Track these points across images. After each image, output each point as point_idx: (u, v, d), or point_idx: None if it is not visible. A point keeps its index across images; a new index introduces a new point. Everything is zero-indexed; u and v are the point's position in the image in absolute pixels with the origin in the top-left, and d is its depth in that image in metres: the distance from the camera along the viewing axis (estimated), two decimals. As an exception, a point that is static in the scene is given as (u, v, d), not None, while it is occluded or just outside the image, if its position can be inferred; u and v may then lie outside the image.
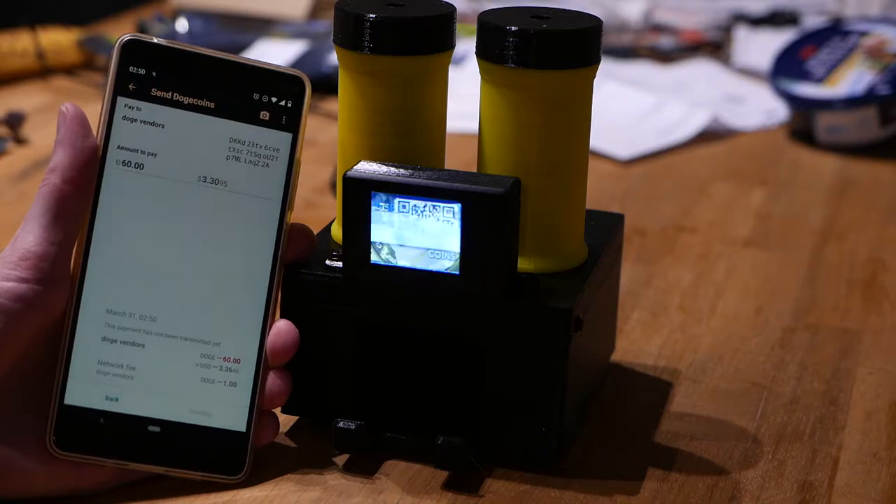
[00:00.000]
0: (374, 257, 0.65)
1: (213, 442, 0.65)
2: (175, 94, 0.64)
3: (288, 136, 0.66)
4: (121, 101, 0.64)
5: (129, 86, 0.64)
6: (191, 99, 0.64)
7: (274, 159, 0.65)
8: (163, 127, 0.64)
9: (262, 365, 0.65)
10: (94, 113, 0.65)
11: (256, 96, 0.65)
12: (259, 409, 0.65)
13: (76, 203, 0.63)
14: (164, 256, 0.65)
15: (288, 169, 0.66)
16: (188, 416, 0.65)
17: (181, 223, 0.65)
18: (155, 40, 0.64)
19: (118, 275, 0.64)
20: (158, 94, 0.64)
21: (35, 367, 0.64)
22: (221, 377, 0.65)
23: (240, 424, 0.65)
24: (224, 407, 0.65)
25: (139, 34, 0.65)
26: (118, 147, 0.64)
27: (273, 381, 0.66)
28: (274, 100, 0.65)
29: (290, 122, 0.66)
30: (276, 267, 0.66)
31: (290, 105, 0.66)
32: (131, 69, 0.64)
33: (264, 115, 0.65)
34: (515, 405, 0.67)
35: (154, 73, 0.64)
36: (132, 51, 0.64)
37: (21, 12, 1.39)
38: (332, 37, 0.70)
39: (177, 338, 0.65)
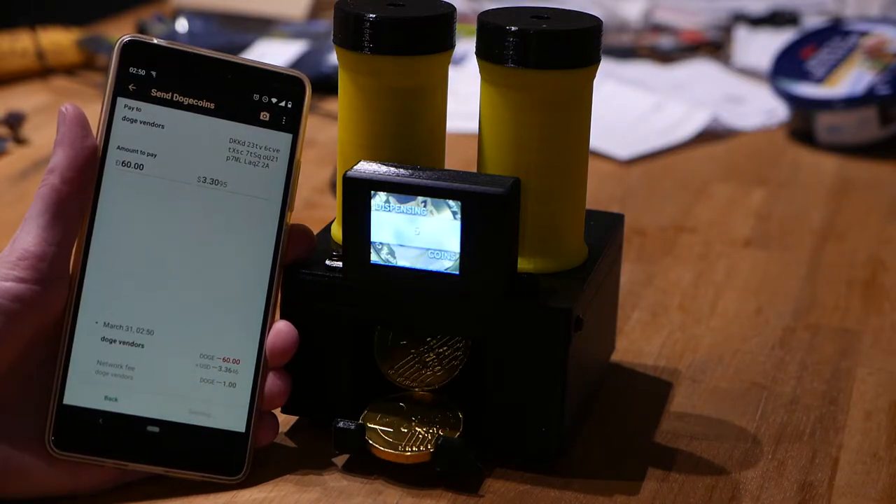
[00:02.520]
0: (374, 257, 0.65)
1: (212, 442, 0.65)
2: (175, 95, 0.64)
3: (288, 136, 0.66)
4: (121, 101, 0.64)
5: (129, 86, 0.64)
6: (191, 99, 0.64)
7: (274, 160, 0.65)
8: (162, 127, 0.64)
9: (262, 365, 0.65)
10: (93, 113, 0.65)
11: (256, 97, 0.65)
12: (259, 410, 0.65)
13: (75, 203, 0.63)
14: (163, 257, 0.65)
15: (288, 169, 0.66)
16: (187, 417, 0.65)
17: (181, 224, 0.65)
18: (155, 41, 0.64)
19: (117, 275, 0.64)
20: (158, 94, 0.64)
21: (34, 367, 0.64)
22: (221, 377, 0.65)
23: (239, 425, 0.65)
24: (223, 407, 0.65)
25: (139, 35, 0.65)
26: (118, 147, 0.64)
27: (273, 381, 0.66)
28: (274, 100, 0.65)
29: (290, 122, 0.66)
30: (275, 267, 0.66)
31: (290, 106, 0.65)
32: (131, 70, 0.64)
33: (264, 115, 0.65)
34: (515, 405, 0.67)
35: (154, 74, 0.64)
36: (132, 51, 0.64)
37: (21, 12, 1.39)
38: (332, 37, 0.70)
39: (176, 338, 0.65)
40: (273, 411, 0.67)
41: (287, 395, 0.66)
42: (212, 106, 0.65)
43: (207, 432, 0.65)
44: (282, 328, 0.66)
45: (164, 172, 0.64)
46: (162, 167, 0.64)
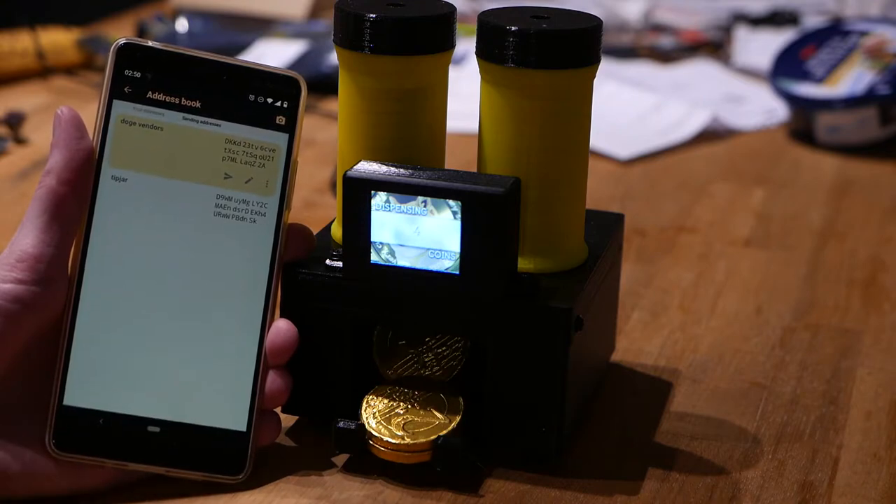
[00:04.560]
0: (374, 257, 0.65)
1: (213, 442, 0.65)
2: (171, 97, 0.65)
3: (284, 136, 0.66)
4: (117, 104, 0.64)
5: (125, 89, 0.64)
6: (186, 101, 0.65)
7: (271, 160, 0.66)
8: (159, 129, 0.64)
9: (262, 364, 0.65)
10: (93, 112, 0.65)
11: (252, 97, 0.65)
12: (260, 409, 0.65)
13: (72, 204, 0.63)
14: (161, 256, 0.65)
15: (285, 169, 0.66)
16: (188, 416, 0.65)
17: (178, 224, 0.65)
18: (150, 44, 0.65)
19: (116, 275, 0.64)
20: (154, 96, 0.64)
21: (34, 368, 0.64)
22: (221, 376, 0.65)
23: (240, 424, 0.65)
24: (224, 406, 0.65)
25: (134, 38, 0.65)
26: (114, 149, 0.64)
27: (273, 380, 0.66)
28: (270, 101, 0.65)
29: (286, 122, 0.66)
30: (274, 266, 0.66)
31: (285, 106, 0.66)
32: (127, 73, 0.64)
33: (260, 116, 0.65)
34: (515, 405, 0.67)
35: (149, 76, 0.64)
36: (127, 54, 0.64)
37: (21, 12, 1.39)
38: (332, 37, 0.70)
39: (175, 337, 0.65)
40: (275, 410, 0.67)
41: (288, 394, 0.66)
42: (207, 107, 0.65)
43: (208, 431, 0.65)
44: (282, 326, 0.66)
45: (160, 173, 0.65)
46: (158, 168, 0.65)
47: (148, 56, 0.64)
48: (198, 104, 0.65)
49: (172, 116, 0.65)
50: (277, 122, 0.66)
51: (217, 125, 0.65)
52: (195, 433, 0.65)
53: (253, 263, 0.66)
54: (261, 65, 0.66)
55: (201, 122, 0.65)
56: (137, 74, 0.64)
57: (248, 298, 0.66)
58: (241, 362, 0.65)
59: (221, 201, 0.65)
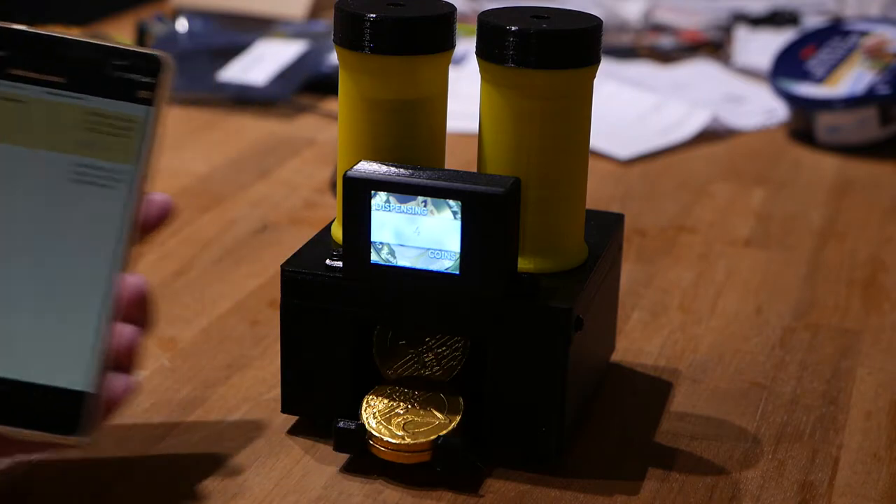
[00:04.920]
0: (374, 257, 0.65)
1: (52, 401, 0.63)
2: (35, 73, 0.67)
3: (145, 108, 0.67)
4: None
5: None
6: (50, 77, 0.67)
7: (131, 130, 0.67)
8: (21, 102, 0.66)
9: (107, 322, 0.64)
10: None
11: (114, 73, 0.67)
12: (107, 368, 0.64)
13: None
14: (12, 220, 0.65)
15: (145, 139, 0.67)
16: (25, 374, 0.63)
17: (33, 190, 0.66)
18: (15, 27, 0.68)
19: None
20: (17, 73, 0.67)
21: None
22: (62, 335, 0.64)
23: (81, 383, 0.64)
24: (64, 365, 0.64)
25: (2, 23, 0.68)
26: None
27: (121, 339, 0.64)
28: (131, 76, 0.67)
29: (148, 96, 0.67)
30: (127, 228, 0.66)
31: (147, 80, 0.67)
32: None
33: (122, 90, 0.67)
34: (515, 405, 0.67)
35: (14, 55, 0.67)
36: None
37: (21, 12, 1.39)
38: (332, 37, 0.70)
39: (18, 296, 0.64)
40: (127, 373, 0.64)
41: (136, 352, 0.64)
42: (71, 82, 0.67)
43: (47, 391, 0.63)
44: (129, 280, 0.65)
45: (19, 143, 0.66)
46: (17, 138, 0.66)
47: (13, 37, 0.68)
48: (62, 80, 0.67)
49: (35, 91, 0.67)
50: (139, 95, 0.67)
51: (80, 98, 0.67)
52: (34, 392, 0.63)
53: (105, 225, 0.66)
54: (124, 44, 0.68)
55: (64, 95, 0.67)
56: (3, 54, 0.67)
57: (96, 258, 0.66)
58: (83, 321, 0.64)
59: (80, 168, 0.67)
